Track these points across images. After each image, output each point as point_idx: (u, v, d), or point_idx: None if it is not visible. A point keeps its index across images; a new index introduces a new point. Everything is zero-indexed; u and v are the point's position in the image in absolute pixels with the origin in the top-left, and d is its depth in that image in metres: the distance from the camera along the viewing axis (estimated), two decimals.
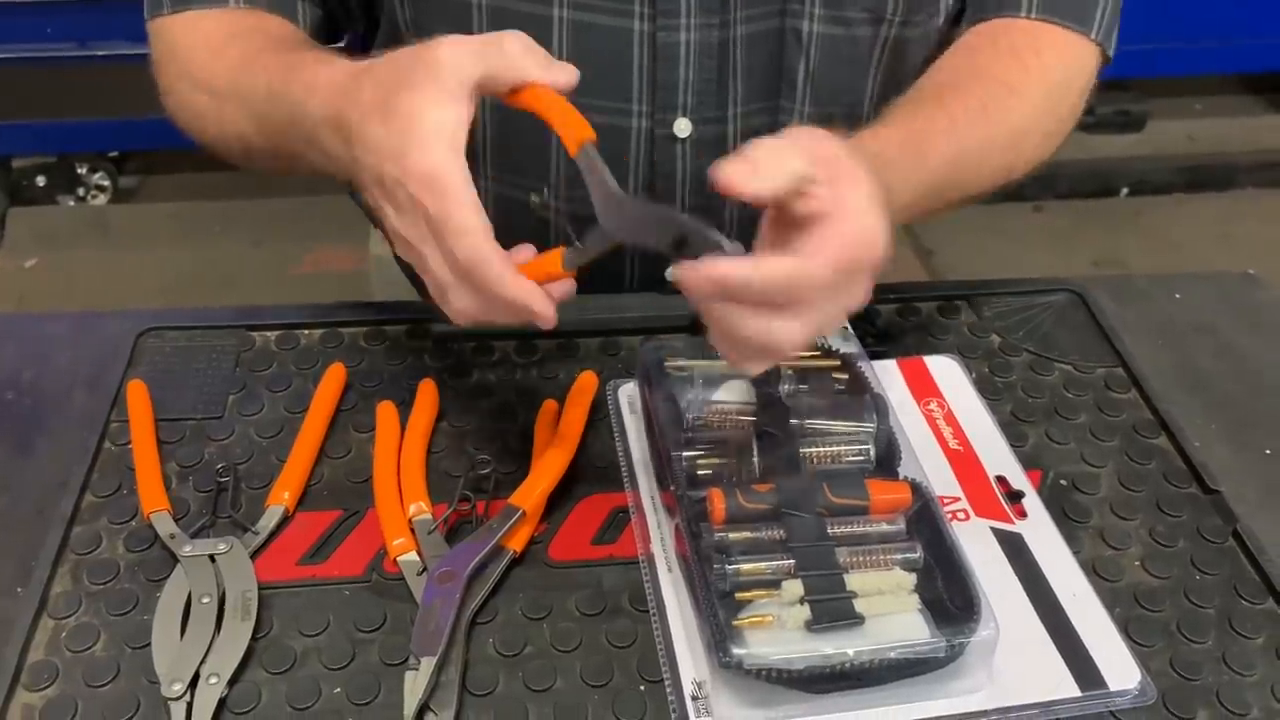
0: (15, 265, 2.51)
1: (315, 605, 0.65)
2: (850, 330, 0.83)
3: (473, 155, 0.79)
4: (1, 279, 2.45)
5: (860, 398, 0.73)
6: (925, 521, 0.66)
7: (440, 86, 0.57)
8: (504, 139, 0.83)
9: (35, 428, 0.77)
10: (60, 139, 2.56)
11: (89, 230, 2.65)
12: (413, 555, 0.67)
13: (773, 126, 0.85)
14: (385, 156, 0.57)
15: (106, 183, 2.67)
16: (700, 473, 0.68)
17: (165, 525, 0.68)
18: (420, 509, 0.69)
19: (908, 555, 0.64)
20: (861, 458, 0.69)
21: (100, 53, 2.35)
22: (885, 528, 0.65)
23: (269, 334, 0.84)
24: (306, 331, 0.84)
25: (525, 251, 0.61)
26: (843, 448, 0.69)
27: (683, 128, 0.83)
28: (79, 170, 2.63)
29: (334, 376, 0.79)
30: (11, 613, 0.64)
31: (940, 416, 0.78)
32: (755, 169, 0.55)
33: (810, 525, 0.65)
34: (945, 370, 0.82)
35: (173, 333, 0.84)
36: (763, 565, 0.63)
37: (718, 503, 0.65)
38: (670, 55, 0.81)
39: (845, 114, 0.86)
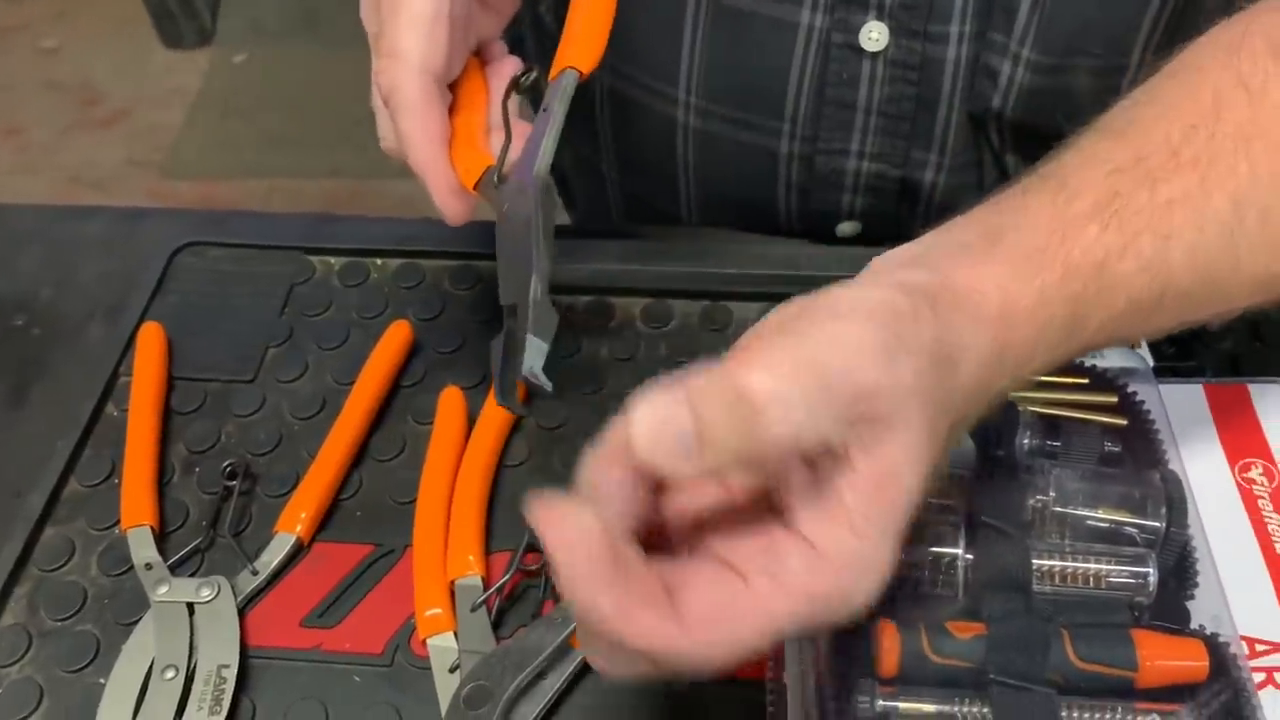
0: (224, 61, 2.43)
1: (312, 690, 0.48)
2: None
3: None
4: (210, 76, 2.38)
5: (1144, 474, 0.47)
6: (1227, 711, 0.41)
7: None
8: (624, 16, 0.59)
9: (40, 369, 0.61)
10: None
11: (300, 24, 2.54)
12: (448, 638, 0.48)
13: (983, 67, 0.56)
14: None
15: None
16: None
17: (143, 548, 0.52)
18: (468, 564, 0.50)
19: None
20: (1133, 582, 0.44)
21: None
22: None
23: (332, 260, 0.64)
24: (380, 261, 0.64)
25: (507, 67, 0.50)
26: (1104, 565, 0.44)
27: (874, 37, 0.55)
28: None
29: (394, 339, 0.58)
30: None
31: (1266, 493, 0.50)
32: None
33: (1035, 708, 0.41)
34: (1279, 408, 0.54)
35: (216, 250, 0.65)
36: None
37: (889, 644, 0.42)
38: None
39: (1098, 70, 0.54)
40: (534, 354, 0.42)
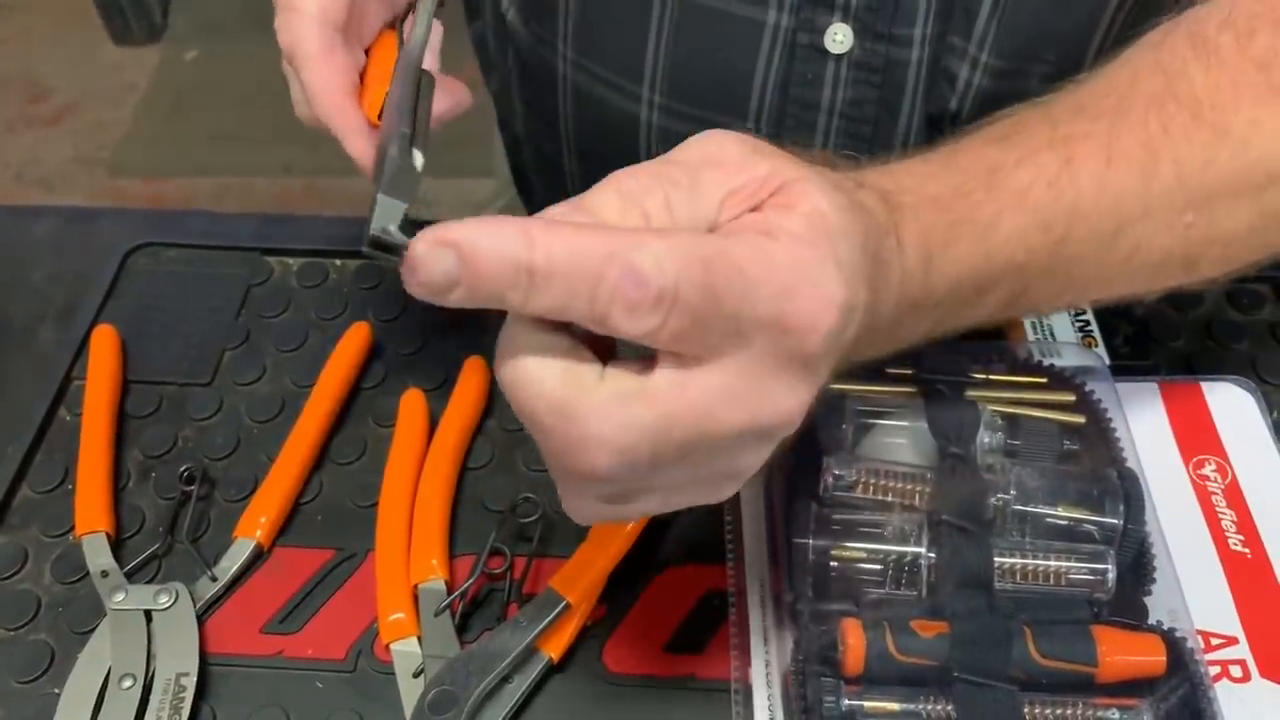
0: (175, 57, 2.39)
1: (274, 697, 0.47)
2: (1094, 327, 0.57)
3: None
4: (161, 73, 2.34)
5: (1102, 472, 0.47)
6: (1185, 704, 0.42)
7: None
8: (590, 11, 0.58)
9: None
10: None
11: (253, 20, 2.51)
12: (412, 643, 0.48)
13: (942, 70, 0.56)
14: None
15: None
16: (834, 576, 0.45)
17: (99, 554, 0.51)
18: (432, 568, 0.49)
19: None
20: (1092, 578, 0.45)
21: None
22: (1116, 719, 0.42)
23: (289, 261, 0.64)
24: (338, 261, 0.63)
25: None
26: (1063, 562, 0.45)
27: (839, 39, 0.55)
28: None
29: (354, 340, 0.58)
30: None
31: (1219, 490, 0.51)
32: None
33: (998, 705, 0.41)
34: (1232, 406, 0.54)
35: (171, 251, 0.64)
36: None
37: (854, 642, 0.42)
38: None
39: (1050, 76, 0.55)
40: (385, 212, 0.38)
